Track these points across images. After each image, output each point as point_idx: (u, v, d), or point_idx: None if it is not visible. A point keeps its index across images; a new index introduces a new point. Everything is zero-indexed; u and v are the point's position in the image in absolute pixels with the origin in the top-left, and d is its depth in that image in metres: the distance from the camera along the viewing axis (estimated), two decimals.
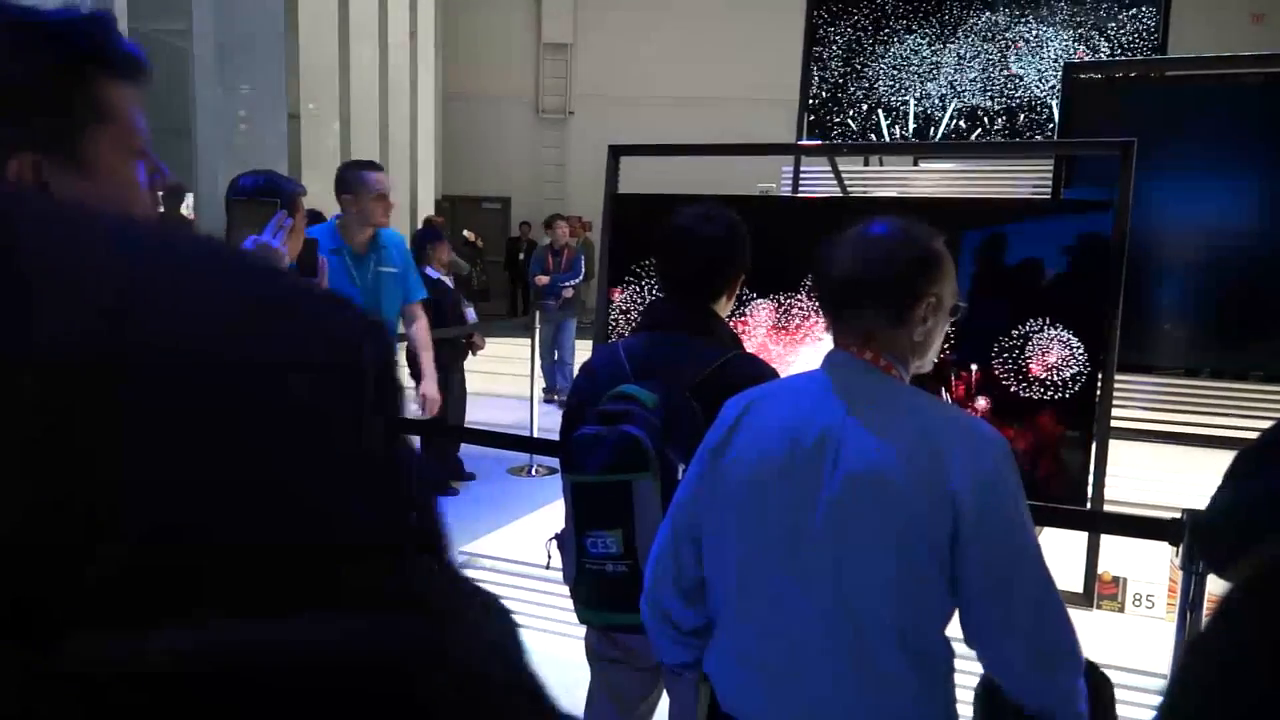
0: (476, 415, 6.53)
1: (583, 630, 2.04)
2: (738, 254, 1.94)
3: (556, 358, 8.60)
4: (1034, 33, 5.94)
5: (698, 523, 1.47)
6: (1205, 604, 1.83)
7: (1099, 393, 3.14)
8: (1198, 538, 1.32)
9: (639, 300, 3.69)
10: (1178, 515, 2.00)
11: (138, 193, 0.86)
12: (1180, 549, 1.86)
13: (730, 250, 1.93)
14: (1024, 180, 6.05)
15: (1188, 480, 3.89)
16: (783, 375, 1.96)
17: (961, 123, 6.12)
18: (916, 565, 1.27)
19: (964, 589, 1.28)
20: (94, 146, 0.80)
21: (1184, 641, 1.91)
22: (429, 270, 5.70)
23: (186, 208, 8.58)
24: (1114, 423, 3.24)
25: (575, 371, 2.11)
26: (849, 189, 6.37)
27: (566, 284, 8.53)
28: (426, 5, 13.50)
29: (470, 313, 6.30)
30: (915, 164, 7.10)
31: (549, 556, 2.01)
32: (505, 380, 9.06)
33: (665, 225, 1.95)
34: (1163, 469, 4.06)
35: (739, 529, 1.39)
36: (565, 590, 1.99)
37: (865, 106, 6.47)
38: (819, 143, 6.40)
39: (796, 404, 1.39)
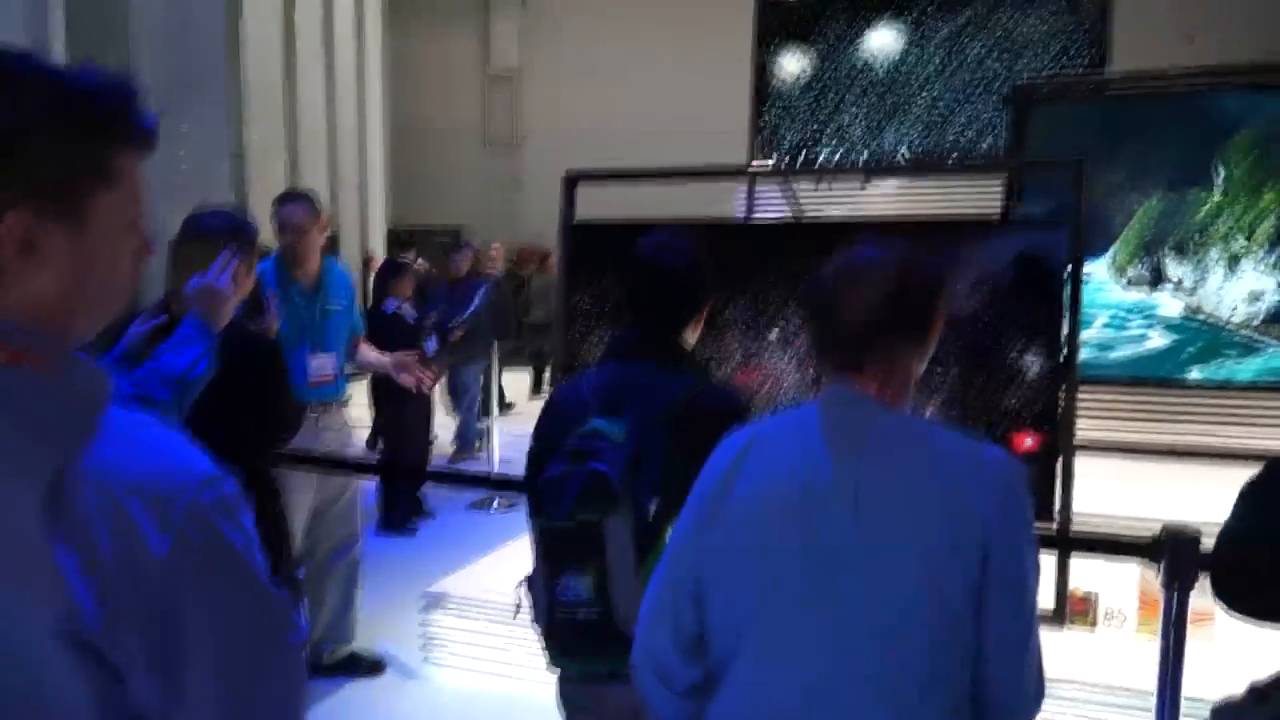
0: (437, 447, 6.42)
1: (554, 676, 1.97)
2: (703, 282, 1.90)
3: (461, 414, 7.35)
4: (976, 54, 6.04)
5: (698, 572, 1.37)
6: (1187, 622, 1.81)
7: (1061, 408, 3.15)
8: (1218, 572, 1.29)
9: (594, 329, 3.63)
10: (1149, 532, 2.00)
11: (125, 260, 0.87)
12: (1161, 567, 1.84)
13: (695, 278, 1.89)
14: (973, 199, 6.11)
15: (1147, 493, 3.92)
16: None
17: (906, 149, 6.20)
18: (952, 606, 1.23)
19: (988, 629, 1.24)
20: (96, 212, 0.82)
21: (1167, 661, 1.88)
22: (388, 304, 5.61)
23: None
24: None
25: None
26: (802, 211, 6.39)
27: (454, 324, 6.88)
28: (374, 37, 13.43)
29: (430, 344, 6.20)
30: (863, 186, 7.16)
31: (519, 603, 1.93)
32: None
33: (628, 255, 1.90)
34: (1117, 479, 4.08)
35: (753, 573, 1.31)
36: (536, 633, 1.92)
37: (813, 130, 6.51)
38: (773, 166, 6.43)
39: (803, 442, 1.33)
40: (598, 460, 1.71)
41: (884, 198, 6.64)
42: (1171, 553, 1.82)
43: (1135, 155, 4.91)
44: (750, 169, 6.10)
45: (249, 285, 2.51)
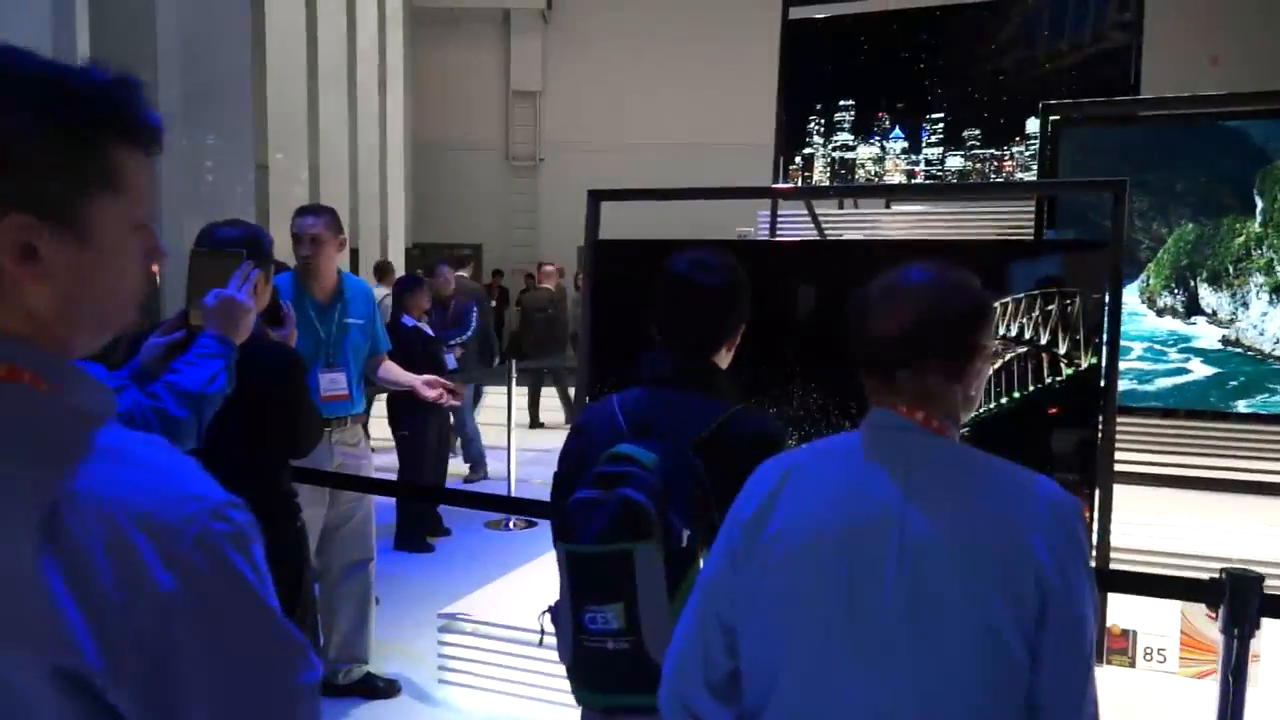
0: (454, 465, 6.37)
1: (574, 700, 1.89)
2: (738, 303, 1.83)
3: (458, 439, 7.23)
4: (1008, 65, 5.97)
5: (732, 606, 1.29)
6: (1249, 666, 1.72)
7: (1100, 437, 3.05)
8: None
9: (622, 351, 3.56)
10: (1185, 565, 1.91)
11: (135, 268, 0.82)
12: (1221, 611, 1.75)
13: (731, 299, 1.82)
14: (1000, 221, 6.03)
15: (1188, 526, 3.81)
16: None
17: (931, 168, 6.12)
18: (1007, 654, 1.14)
19: (1046, 678, 1.15)
20: (98, 216, 0.77)
21: (1226, 709, 1.78)
22: (406, 319, 5.56)
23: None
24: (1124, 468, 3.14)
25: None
26: (825, 232, 6.32)
27: (454, 342, 7.01)
28: (395, 53, 13.50)
29: (450, 359, 6.16)
30: (887, 206, 7.09)
31: (542, 631, 1.86)
32: (482, 430, 8.88)
33: (660, 273, 1.84)
34: (1154, 511, 3.97)
35: (789, 615, 1.23)
36: (557, 658, 1.85)
37: (838, 147, 6.45)
38: (801, 186, 6.37)
39: (846, 472, 1.25)
40: (628, 486, 1.65)
41: (907, 220, 6.56)
42: (1233, 596, 1.72)
43: (1165, 181, 4.83)
44: (776, 188, 6.04)
45: (267, 297, 2.47)
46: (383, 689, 3.67)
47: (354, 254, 11.83)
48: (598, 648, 1.66)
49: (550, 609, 1.82)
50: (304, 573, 2.42)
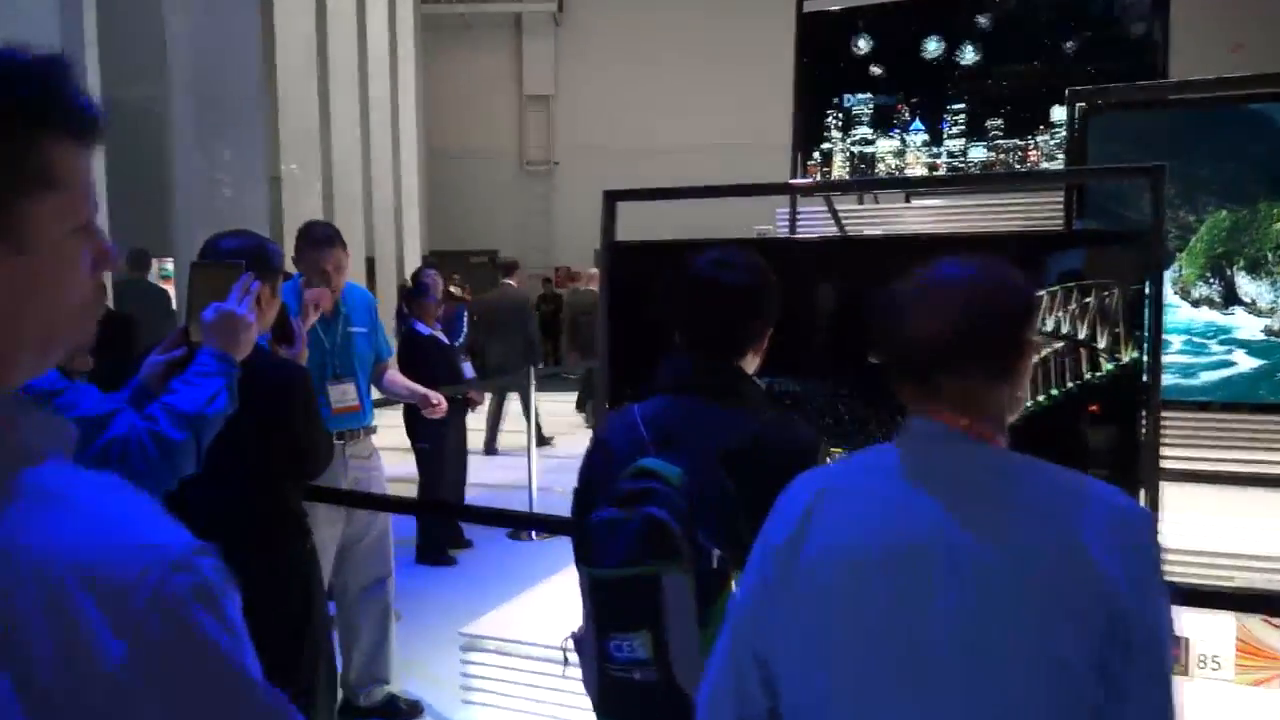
0: (475, 475, 6.27)
1: None
2: (766, 303, 1.72)
3: None
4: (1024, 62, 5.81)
5: (767, 639, 1.17)
6: None
7: (1145, 433, 2.91)
8: None
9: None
10: (1236, 570, 1.78)
11: (79, 274, 0.71)
12: None
13: (757, 299, 1.71)
14: (1026, 213, 5.87)
15: (1241, 525, 3.65)
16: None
17: (951, 160, 5.98)
18: (1075, 684, 1.02)
19: (1126, 705, 1.02)
20: (33, 218, 0.67)
21: None
22: (420, 326, 5.43)
23: (154, 276, 8.37)
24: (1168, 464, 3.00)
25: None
26: (845, 229, 6.19)
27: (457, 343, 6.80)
28: (407, 62, 13.46)
29: (467, 368, 6.06)
30: (907, 200, 6.94)
31: (565, 659, 1.75)
32: (501, 437, 8.80)
33: (683, 274, 1.72)
34: (1203, 511, 3.81)
35: (829, 648, 1.12)
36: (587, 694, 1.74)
37: (857, 141, 6.32)
38: (820, 181, 6.24)
39: (886, 489, 1.13)
40: (652, 504, 1.53)
41: (929, 214, 6.42)
42: None
43: (1189, 167, 4.66)
44: (795, 184, 5.91)
45: (274, 312, 2.37)
46: (405, 711, 3.58)
47: (369, 263, 11.78)
48: (624, 678, 1.55)
49: (573, 635, 1.72)
50: (313, 600, 2.32)
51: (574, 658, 1.74)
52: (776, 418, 1.67)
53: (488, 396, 7.79)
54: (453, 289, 12.78)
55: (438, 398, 3.91)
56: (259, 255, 2.18)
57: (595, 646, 1.58)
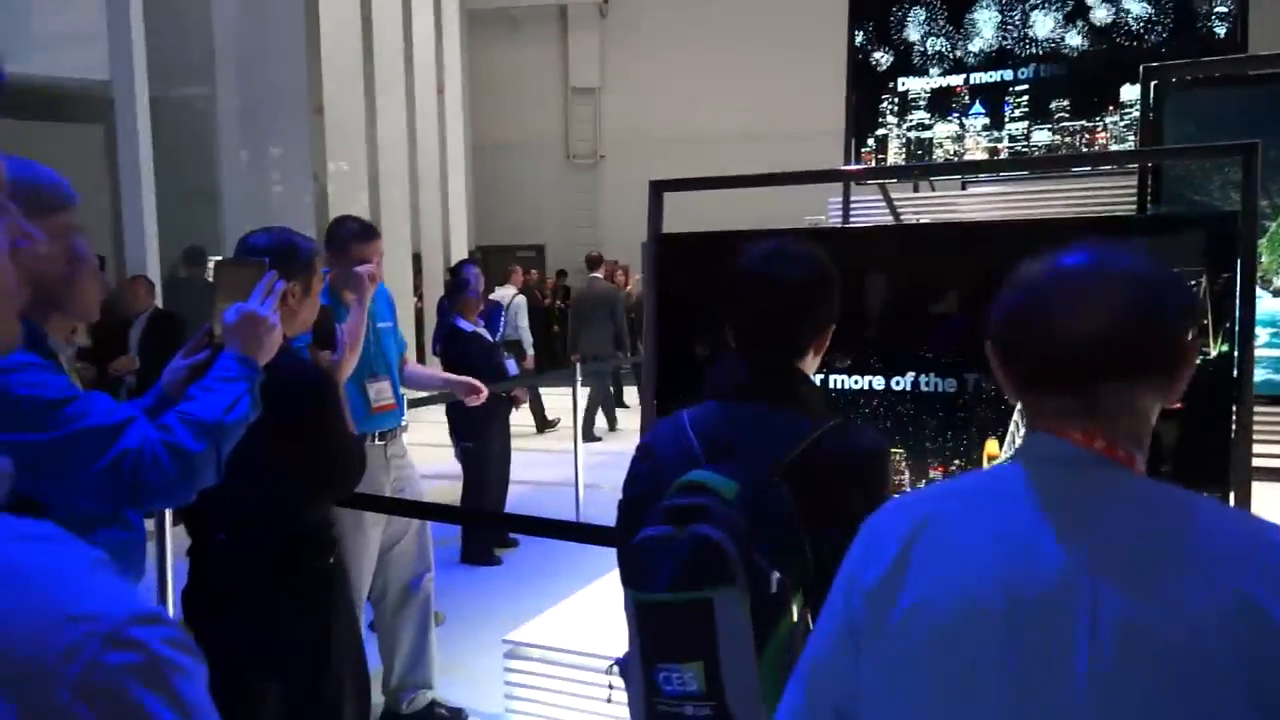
0: (519, 473, 6.17)
1: None
2: (828, 300, 1.56)
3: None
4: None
5: (854, 699, 0.99)
6: None
7: (1234, 430, 2.69)
8: None
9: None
10: None
11: None
12: None
13: (819, 296, 1.55)
14: (1093, 198, 5.60)
15: None
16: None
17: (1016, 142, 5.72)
18: None
19: None
20: None
21: None
22: (460, 322, 5.30)
23: (209, 272, 8.40)
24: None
25: None
26: (900, 217, 5.97)
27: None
28: (452, 56, 13.41)
29: (510, 365, 5.95)
30: (963, 187, 6.69)
31: (611, 686, 1.61)
32: (545, 435, 8.72)
33: (737, 268, 1.57)
34: None
35: (937, 709, 0.93)
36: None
37: (913, 126, 6.09)
38: (876, 166, 6.03)
39: (1005, 523, 0.94)
40: (705, 522, 1.39)
41: (988, 200, 6.17)
42: None
43: (1272, 147, 4.37)
44: (849, 170, 5.70)
45: (309, 312, 2.26)
46: (448, 718, 3.48)
47: (416, 259, 11.75)
48: (674, 712, 1.40)
49: (619, 662, 1.58)
50: (334, 620, 2.18)
51: (618, 682, 1.61)
52: (841, 424, 1.51)
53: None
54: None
55: (476, 384, 3.74)
56: (286, 252, 2.07)
57: (643, 676, 1.44)
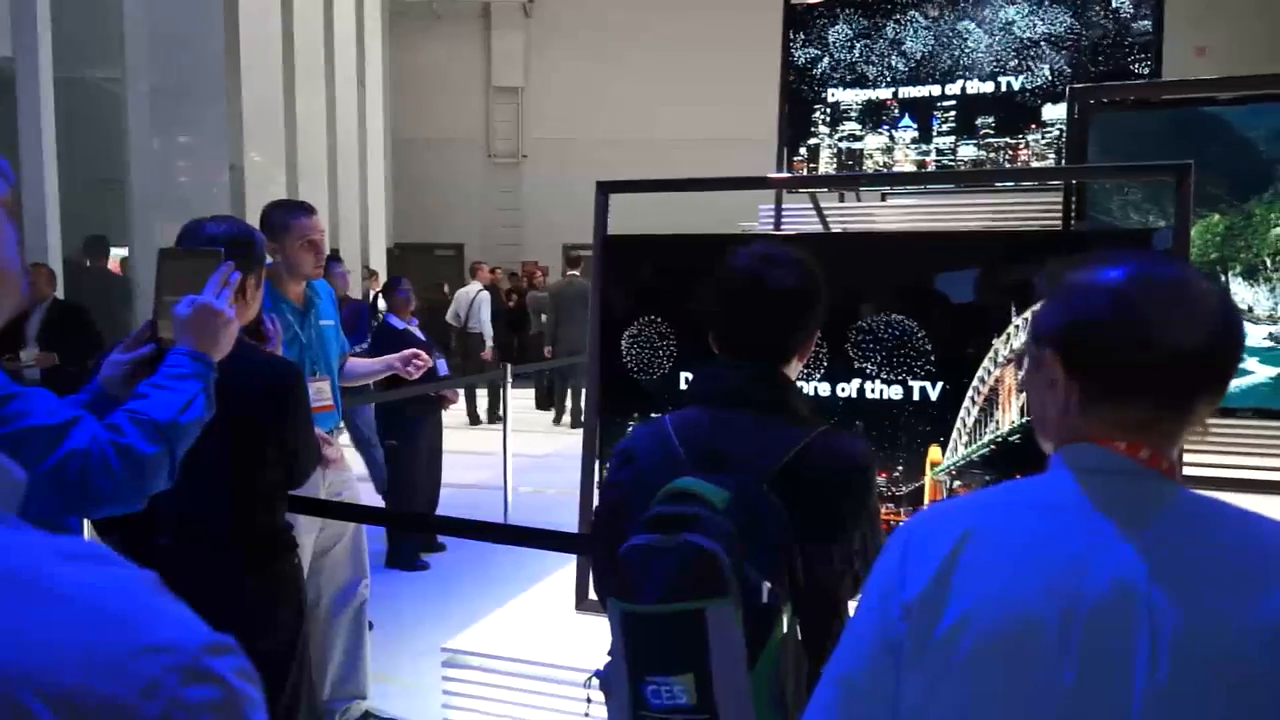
0: (448, 476, 6.04)
1: None
2: (816, 305, 1.55)
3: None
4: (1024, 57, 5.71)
5: (892, 708, 0.95)
6: None
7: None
8: None
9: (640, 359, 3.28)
10: None
11: None
12: None
13: (808, 301, 1.54)
14: (1016, 212, 5.76)
15: None
16: None
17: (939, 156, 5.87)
18: None
19: None
20: None
21: None
22: (393, 320, 5.25)
23: (114, 261, 8.03)
24: (1187, 470, 2.90)
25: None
26: (829, 226, 6.06)
27: (355, 350, 5.99)
28: (374, 48, 13.13)
29: (441, 365, 5.83)
30: (883, 199, 6.83)
31: (589, 700, 1.57)
32: (474, 435, 8.58)
33: (724, 272, 1.55)
34: None
35: None
36: (583, 693, 1.57)
37: (844, 136, 6.18)
38: (805, 175, 6.10)
39: (1055, 535, 0.92)
40: (695, 531, 1.36)
41: (911, 212, 6.30)
42: None
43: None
44: (788, 178, 5.76)
45: (257, 307, 2.16)
46: None
47: (334, 254, 11.46)
48: None
49: (599, 674, 1.54)
50: (303, 618, 2.10)
51: (597, 695, 1.56)
52: (829, 431, 1.50)
53: (460, 393, 7.62)
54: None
55: (415, 351, 3.59)
56: (244, 242, 1.97)
57: (629, 690, 1.40)
